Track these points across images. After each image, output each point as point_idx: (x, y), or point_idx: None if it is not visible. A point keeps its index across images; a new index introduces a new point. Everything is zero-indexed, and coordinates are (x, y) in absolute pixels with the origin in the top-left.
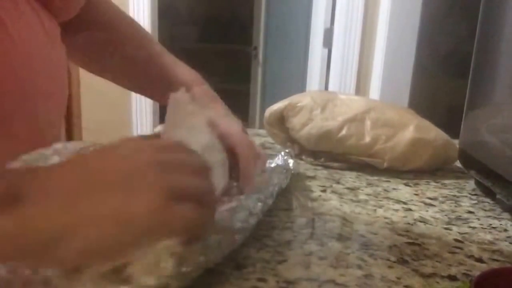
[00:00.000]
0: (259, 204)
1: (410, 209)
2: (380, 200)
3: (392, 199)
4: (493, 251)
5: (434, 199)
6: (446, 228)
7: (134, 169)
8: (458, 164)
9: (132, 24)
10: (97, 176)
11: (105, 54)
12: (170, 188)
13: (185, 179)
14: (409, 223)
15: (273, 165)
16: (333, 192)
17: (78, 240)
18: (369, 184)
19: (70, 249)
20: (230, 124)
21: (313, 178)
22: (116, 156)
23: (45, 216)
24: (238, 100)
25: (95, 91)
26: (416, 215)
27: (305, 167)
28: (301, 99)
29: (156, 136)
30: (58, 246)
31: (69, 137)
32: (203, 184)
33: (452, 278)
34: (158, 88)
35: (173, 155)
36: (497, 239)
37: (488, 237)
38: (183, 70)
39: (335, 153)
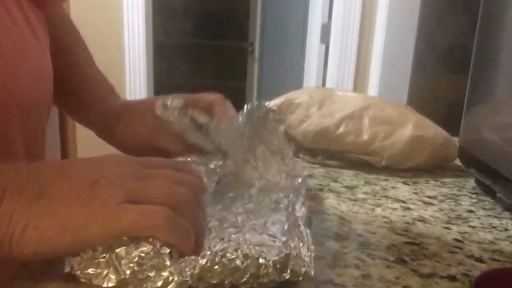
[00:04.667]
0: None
1: (409, 208)
2: (379, 199)
3: (391, 198)
4: (494, 251)
5: (434, 197)
6: (445, 228)
7: (102, 178)
8: (458, 162)
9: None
10: (65, 181)
11: None
12: (129, 191)
13: (153, 184)
14: (408, 222)
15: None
16: (331, 190)
17: (31, 240)
18: (367, 183)
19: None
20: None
21: (310, 176)
22: (92, 164)
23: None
24: (234, 96)
25: None
26: (415, 214)
27: (302, 165)
28: (298, 96)
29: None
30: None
31: (62, 133)
32: (178, 190)
33: (452, 278)
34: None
35: (154, 170)
36: (498, 239)
37: (489, 236)
38: (103, 85)
39: (332, 151)
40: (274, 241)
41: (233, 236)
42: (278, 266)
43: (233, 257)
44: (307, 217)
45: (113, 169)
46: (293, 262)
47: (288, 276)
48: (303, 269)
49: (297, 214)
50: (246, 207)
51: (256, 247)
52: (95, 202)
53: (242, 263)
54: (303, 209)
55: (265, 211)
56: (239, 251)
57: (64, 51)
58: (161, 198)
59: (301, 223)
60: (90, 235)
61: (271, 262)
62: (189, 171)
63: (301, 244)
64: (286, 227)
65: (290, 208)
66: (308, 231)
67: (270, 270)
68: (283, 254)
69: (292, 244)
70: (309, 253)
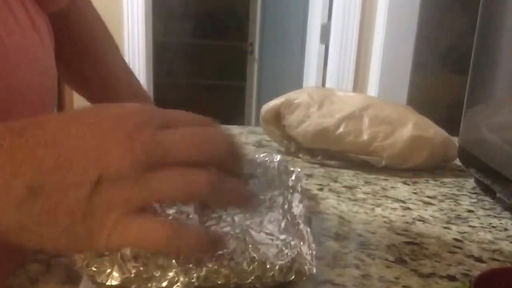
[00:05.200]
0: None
1: (408, 208)
2: (378, 199)
3: (391, 197)
4: (493, 251)
5: (433, 197)
6: (445, 227)
7: (104, 177)
8: (457, 162)
9: (102, 26)
10: (63, 172)
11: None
12: (135, 194)
13: (167, 179)
14: (407, 222)
15: None
16: (330, 190)
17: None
18: (367, 183)
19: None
20: None
21: (310, 176)
22: (106, 131)
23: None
24: (233, 96)
25: None
26: (415, 214)
27: (302, 165)
28: (298, 96)
29: None
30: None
31: None
32: (197, 180)
33: (452, 278)
34: (96, 90)
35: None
36: (497, 239)
37: (488, 236)
38: (130, 80)
39: (332, 151)
40: (272, 240)
41: (237, 230)
42: (284, 270)
43: (240, 260)
44: (307, 217)
45: (126, 143)
46: (297, 263)
47: (293, 277)
48: (307, 268)
49: (295, 212)
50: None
51: (261, 247)
52: (95, 214)
53: (249, 266)
54: (301, 206)
55: (260, 209)
56: (246, 253)
57: (83, 50)
58: (176, 195)
59: (300, 221)
60: (92, 247)
61: (277, 266)
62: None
63: (301, 243)
64: (283, 225)
65: (286, 206)
66: (309, 229)
67: (276, 273)
68: (289, 258)
69: (292, 243)
70: (310, 251)
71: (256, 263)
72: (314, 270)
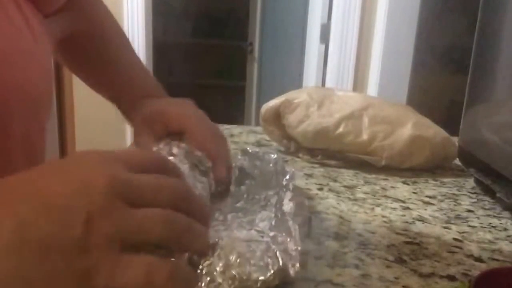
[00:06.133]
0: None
1: (408, 208)
2: (378, 199)
3: (390, 197)
4: (493, 251)
5: (433, 197)
6: (445, 227)
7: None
8: (457, 162)
9: (113, 24)
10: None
11: (82, 50)
12: (115, 237)
13: (140, 219)
14: (407, 222)
15: None
16: (330, 190)
17: None
18: (367, 182)
19: None
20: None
21: (310, 176)
22: (56, 183)
23: None
24: (233, 96)
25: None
26: (415, 213)
27: (302, 165)
28: (298, 96)
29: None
30: None
31: (61, 133)
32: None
33: (451, 278)
34: (116, 92)
35: (143, 177)
36: (497, 238)
37: (488, 236)
38: (147, 81)
39: (332, 151)
40: (262, 236)
41: (224, 240)
42: (266, 282)
43: (220, 280)
44: (307, 216)
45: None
46: (281, 270)
47: (277, 283)
48: (292, 272)
49: (285, 210)
50: (235, 206)
51: (250, 245)
52: (92, 253)
53: (229, 286)
54: (291, 204)
55: (254, 208)
56: (226, 273)
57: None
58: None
59: (289, 218)
60: None
61: (259, 283)
62: (170, 169)
63: (288, 239)
64: (273, 222)
65: (278, 204)
66: (297, 227)
67: (260, 285)
68: (271, 273)
69: (280, 239)
70: (295, 247)
71: (237, 282)
72: (298, 265)
